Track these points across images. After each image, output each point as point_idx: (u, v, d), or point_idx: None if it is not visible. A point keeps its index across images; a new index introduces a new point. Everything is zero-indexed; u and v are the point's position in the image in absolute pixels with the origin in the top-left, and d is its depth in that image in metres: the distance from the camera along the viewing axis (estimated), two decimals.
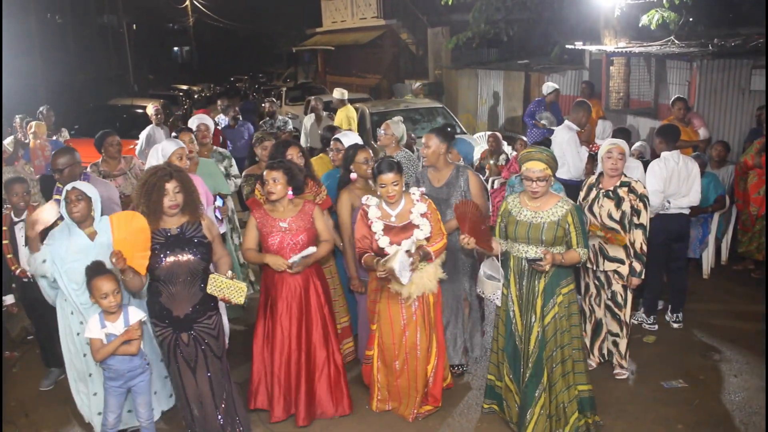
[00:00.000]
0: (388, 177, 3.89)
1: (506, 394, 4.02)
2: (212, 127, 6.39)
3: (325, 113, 10.17)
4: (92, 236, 3.78)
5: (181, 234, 3.55)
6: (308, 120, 9.93)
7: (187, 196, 3.54)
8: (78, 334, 3.82)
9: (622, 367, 4.66)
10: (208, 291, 3.52)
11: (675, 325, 5.46)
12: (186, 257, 3.50)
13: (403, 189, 4.02)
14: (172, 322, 3.55)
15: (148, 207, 3.48)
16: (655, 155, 5.61)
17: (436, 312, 4.15)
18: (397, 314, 4.05)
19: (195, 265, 3.53)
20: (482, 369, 4.80)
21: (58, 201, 3.99)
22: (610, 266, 4.49)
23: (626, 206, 4.39)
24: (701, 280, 6.45)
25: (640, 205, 4.38)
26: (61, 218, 3.91)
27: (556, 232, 3.71)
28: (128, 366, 3.61)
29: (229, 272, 3.61)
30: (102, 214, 3.85)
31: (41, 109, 8.85)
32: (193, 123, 6.30)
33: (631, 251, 4.41)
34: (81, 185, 3.77)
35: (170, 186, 3.47)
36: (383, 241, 3.94)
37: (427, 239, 3.97)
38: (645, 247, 4.40)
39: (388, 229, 3.96)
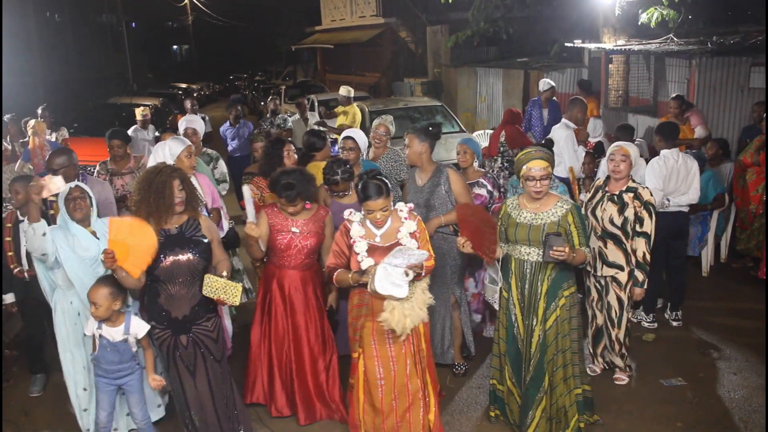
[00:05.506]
0: (377, 203, 3.44)
1: (508, 398, 3.97)
2: (201, 130, 6.10)
3: (313, 113, 10.14)
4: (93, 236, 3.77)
5: (181, 233, 3.51)
6: (293, 119, 10.04)
7: (189, 194, 3.54)
8: (84, 335, 3.77)
9: (623, 372, 4.59)
10: (204, 292, 3.47)
11: (674, 323, 5.46)
12: (186, 256, 3.45)
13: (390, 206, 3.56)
14: (171, 323, 3.51)
15: (159, 206, 3.43)
16: (654, 153, 5.60)
17: (426, 342, 3.72)
18: (384, 350, 3.60)
19: (195, 265, 3.48)
20: (481, 368, 4.81)
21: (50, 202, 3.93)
22: (608, 272, 4.38)
23: (629, 212, 4.27)
24: (700, 278, 6.44)
25: (644, 213, 4.25)
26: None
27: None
28: (116, 367, 3.61)
29: (224, 272, 3.56)
30: (99, 215, 3.83)
31: (39, 109, 8.84)
32: (181, 126, 6.23)
33: (633, 260, 4.29)
34: (82, 184, 3.77)
35: (176, 184, 3.48)
36: (366, 263, 3.47)
37: None
38: (648, 257, 4.26)
39: (372, 250, 3.52)
